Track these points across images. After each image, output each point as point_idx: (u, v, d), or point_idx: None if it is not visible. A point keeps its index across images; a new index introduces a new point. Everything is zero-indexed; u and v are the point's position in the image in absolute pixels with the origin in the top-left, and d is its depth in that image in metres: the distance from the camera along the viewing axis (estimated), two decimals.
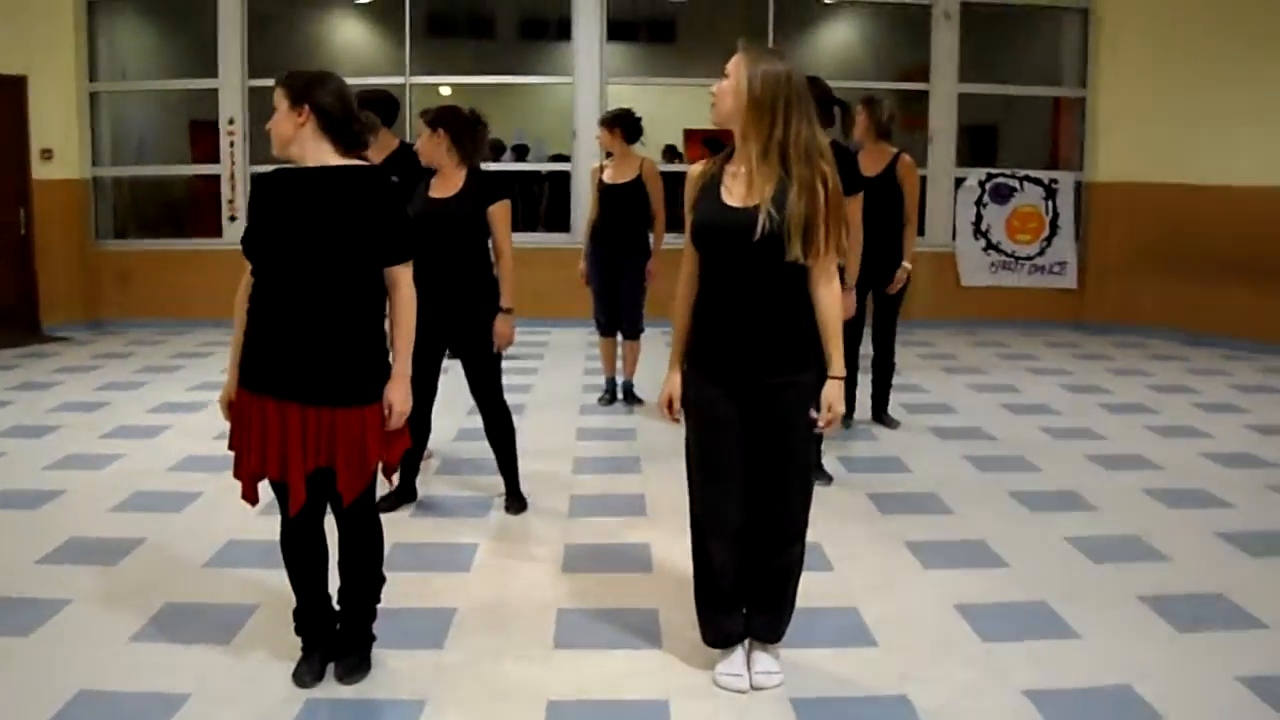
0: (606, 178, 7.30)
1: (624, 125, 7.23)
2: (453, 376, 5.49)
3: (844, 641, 3.91)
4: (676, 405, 3.53)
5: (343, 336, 3.32)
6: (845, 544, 4.86)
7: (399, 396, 3.41)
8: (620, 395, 7.61)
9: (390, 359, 3.47)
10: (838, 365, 3.45)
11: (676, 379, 3.54)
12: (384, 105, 5.90)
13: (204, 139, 11.27)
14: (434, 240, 4.95)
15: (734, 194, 3.35)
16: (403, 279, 3.45)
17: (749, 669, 3.60)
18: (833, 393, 3.43)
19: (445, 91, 12.96)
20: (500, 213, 5.15)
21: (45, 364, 8.96)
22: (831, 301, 3.43)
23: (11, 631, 3.91)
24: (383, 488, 5.09)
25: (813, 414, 3.43)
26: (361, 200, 3.33)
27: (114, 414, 7.21)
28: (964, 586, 4.42)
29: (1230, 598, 4.29)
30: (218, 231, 10.63)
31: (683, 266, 3.52)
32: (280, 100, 3.36)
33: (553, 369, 8.84)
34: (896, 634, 3.97)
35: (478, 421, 5.36)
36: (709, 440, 3.48)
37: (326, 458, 3.34)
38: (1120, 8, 10.69)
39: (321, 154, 3.37)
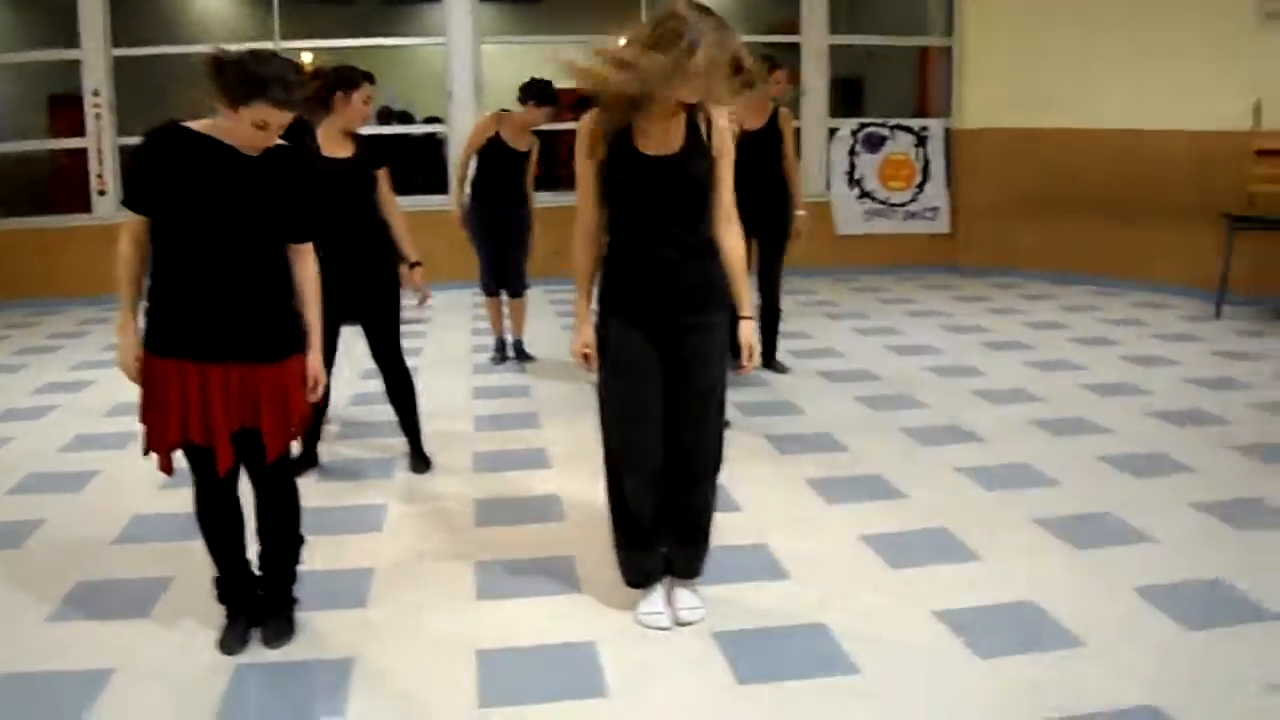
0: (508, 138, 7.16)
1: (549, 99, 7.17)
2: (341, 342, 5.45)
3: (759, 576, 4.03)
4: (593, 355, 3.58)
5: (259, 297, 3.31)
6: (750, 484, 4.98)
7: (316, 364, 3.44)
8: (511, 353, 7.62)
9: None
10: (747, 305, 3.57)
11: (589, 329, 3.58)
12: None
13: (64, 113, 10.92)
14: (331, 202, 4.92)
15: (650, 144, 3.39)
16: (308, 253, 3.46)
17: (671, 606, 3.69)
18: (747, 332, 3.56)
19: (307, 58, 12.74)
20: (386, 174, 5.15)
21: None
22: (736, 244, 3.52)
23: None
24: None
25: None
26: (283, 180, 3.32)
27: None
28: (867, 518, 4.57)
29: (1119, 515, 4.52)
30: (86, 207, 10.25)
31: (580, 220, 3.55)
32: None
33: (441, 331, 8.79)
34: (809, 566, 4.10)
35: (372, 386, 5.37)
36: (630, 383, 3.54)
37: (251, 416, 3.33)
38: None
39: None
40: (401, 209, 5.21)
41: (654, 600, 3.70)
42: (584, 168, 3.49)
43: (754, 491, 4.90)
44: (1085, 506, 4.64)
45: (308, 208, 3.43)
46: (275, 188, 3.31)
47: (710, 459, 3.64)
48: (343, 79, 5.00)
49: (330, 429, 5.95)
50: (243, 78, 3.10)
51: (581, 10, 10.84)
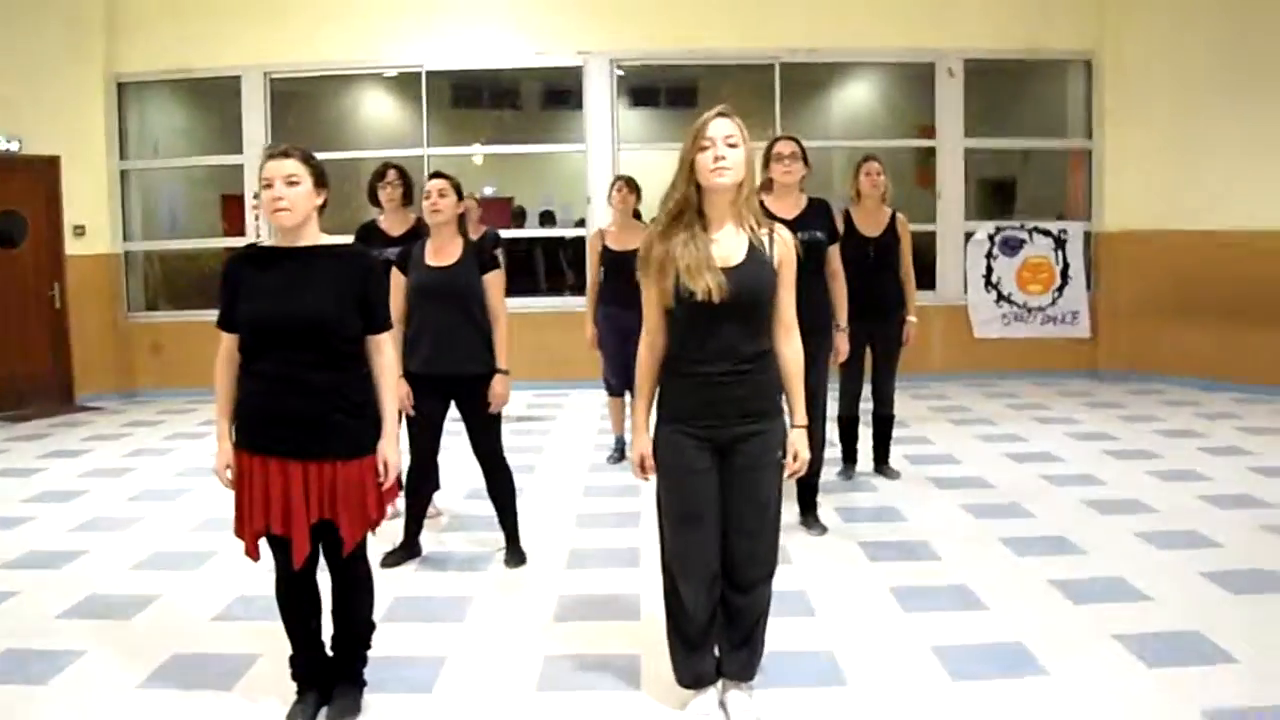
0: (611, 243, 7.48)
1: (636, 189, 7.52)
2: (450, 438, 5.68)
3: (816, 682, 4.05)
4: (650, 464, 3.70)
5: (337, 397, 3.55)
6: (830, 590, 5.00)
7: (391, 452, 3.64)
8: (628, 453, 7.76)
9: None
10: (800, 415, 3.67)
11: (646, 440, 3.70)
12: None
13: (236, 211, 11.66)
14: (434, 305, 5.21)
15: (717, 256, 3.52)
16: (385, 345, 3.68)
17: (725, 710, 3.75)
18: (798, 440, 3.65)
19: (478, 161, 13.31)
20: (495, 280, 5.38)
21: (77, 432, 9.28)
22: (794, 353, 3.63)
23: (30, 680, 4.14)
24: (386, 543, 5.32)
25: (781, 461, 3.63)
26: (351, 277, 3.57)
27: (140, 479, 7.47)
28: (941, 628, 4.54)
29: (1205, 634, 4.39)
30: None
31: (646, 333, 3.67)
32: (304, 177, 3.56)
33: (566, 429, 9.03)
34: (869, 674, 4.10)
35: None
36: (686, 488, 3.64)
37: (329, 509, 3.55)
38: (1123, 57, 10.87)
39: (315, 233, 3.63)
40: (506, 315, 5.42)
41: (704, 701, 3.77)
42: (648, 283, 3.63)
43: (833, 598, 4.92)
44: (1172, 624, 4.53)
45: (379, 300, 3.66)
46: (348, 283, 3.55)
47: (764, 565, 3.71)
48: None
49: (440, 520, 6.19)
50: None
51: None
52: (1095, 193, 11.21)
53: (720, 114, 3.52)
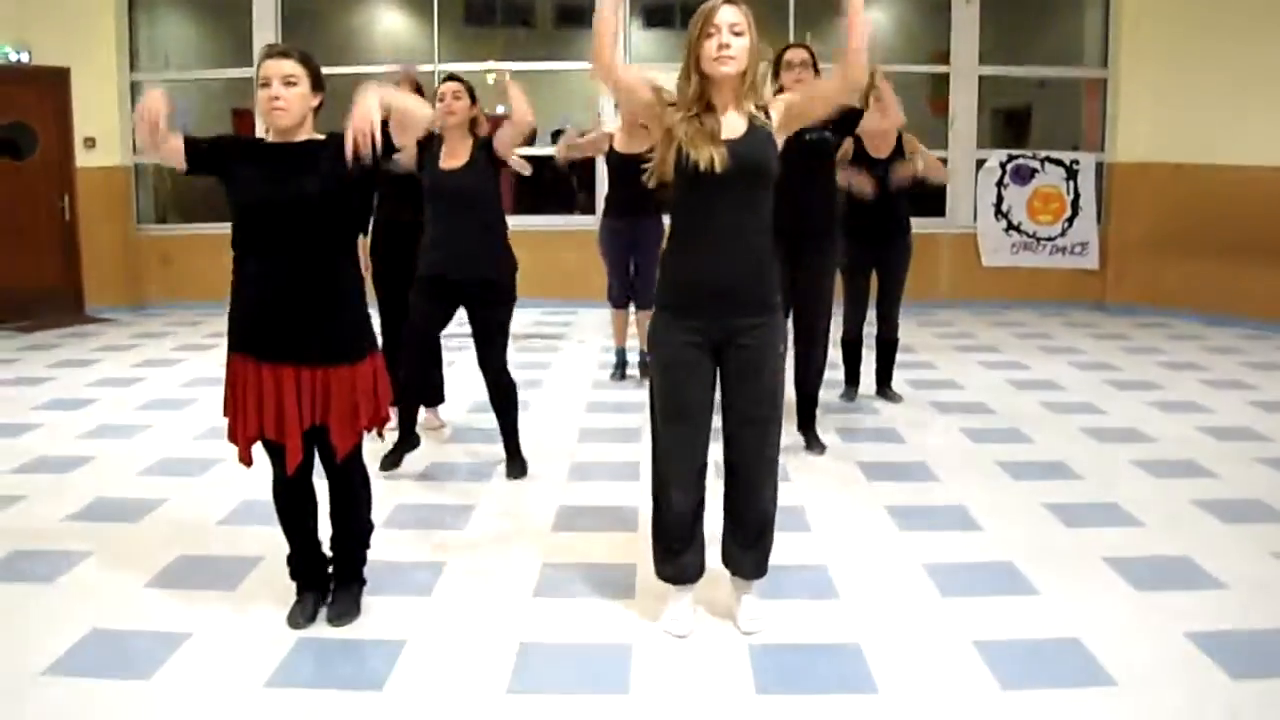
0: (618, 145, 7.39)
1: None
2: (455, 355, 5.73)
3: (809, 594, 4.11)
4: None
5: (330, 300, 3.57)
6: (829, 508, 5.07)
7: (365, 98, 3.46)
8: (634, 370, 7.81)
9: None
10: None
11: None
12: None
13: (246, 126, 11.61)
14: (446, 207, 5.23)
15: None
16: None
17: (737, 614, 3.82)
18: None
19: (490, 80, 13.19)
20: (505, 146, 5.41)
21: (87, 343, 9.35)
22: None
23: (36, 579, 4.23)
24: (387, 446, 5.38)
25: None
26: (338, 152, 3.47)
27: (149, 388, 7.54)
28: (934, 547, 4.60)
29: (1194, 560, 4.44)
30: None
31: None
32: (302, 78, 3.54)
33: (574, 347, 9.08)
34: (861, 589, 4.17)
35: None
36: (674, 380, 3.66)
37: (321, 415, 3.59)
38: None
39: (310, 134, 3.64)
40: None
41: (681, 607, 3.83)
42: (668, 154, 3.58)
43: (830, 515, 4.99)
44: (1162, 549, 4.59)
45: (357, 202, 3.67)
46: (328, 165, 3.52)
47: (770, 458, 3.73)
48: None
49: (443, 432, 6.27)
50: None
51: None
52: (1109, 124, 11.12)
53: (728, 1, 3.48)
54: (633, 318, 7.75)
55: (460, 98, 5.35)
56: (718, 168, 3.45)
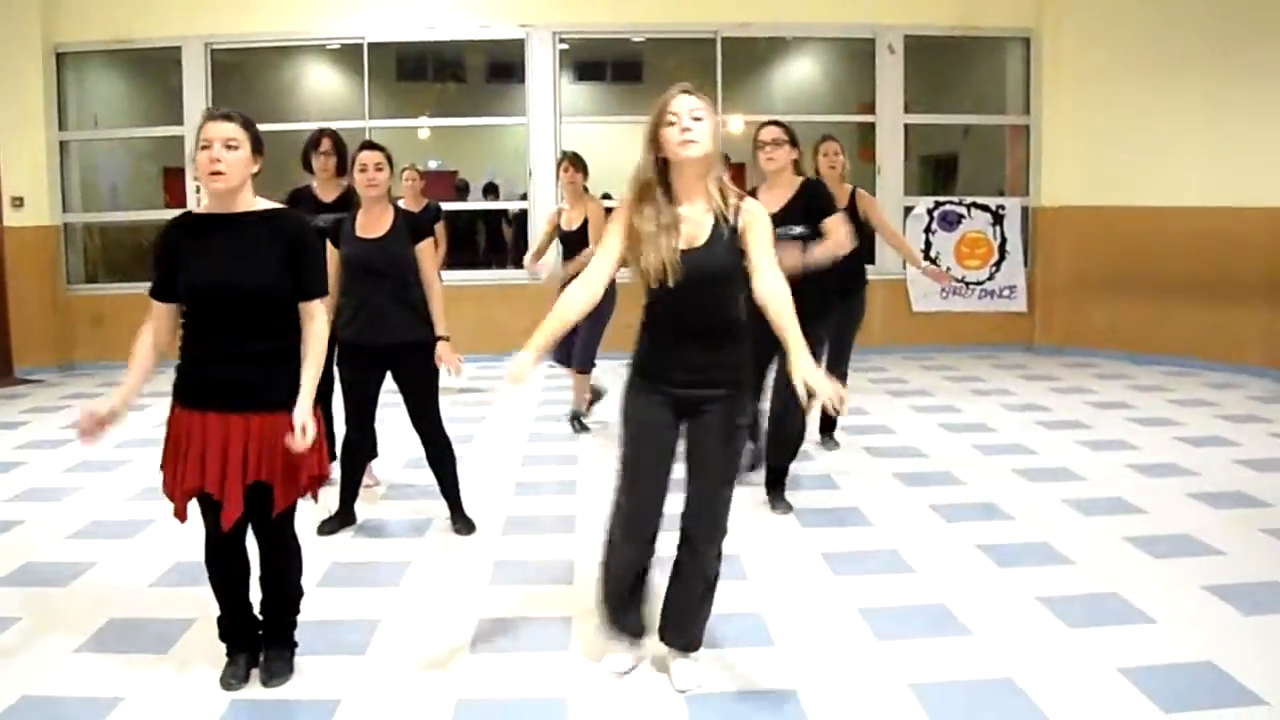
0: (564, 224, 7.71)
1: (583, 165, 7.64)
2: (386, 411, 5.72)
3: (745, 642, 4.13)
4: (516, 380, 3.48)
5: (277, 363, 3.57)
6: (763, 555, 5.10)
7: (303, 413, 3.54)
8: (572, 422, 7.88)
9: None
10: (798, 345, 3.42)
11: (526, 358, 3.45)
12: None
13: (177, 185, 11.57)
14: (365, 277, 5.23)
15: (682, 236, 3.55)
16: (317, 312, 3.66)
17: (671, 677, 3.81)
18: (806, 371, 3.33)
19: (423, 135, 13.26)
20: (427, 249, 5.42)
21: (15, 405, 9.21)
22: (774, 292, 3.52)
23: None
24: (322, 512, 5.35)
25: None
26: (286, 242, 3.56)
27: (79, 450, 7.42)
28: (868, 591, 4.65)
29: (1124, 596, 4.52)
30: None
31: (587, 275, 3.67)
32: (243, 141, 3.54)
33: (507, 400, 9.06)
34: (796, 635, 4.20)
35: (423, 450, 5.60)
36: (638, 443, 3.70)
37: (267, 472, 3.56)
38: (1061, 34, 11.06)
39: (250, 200, 3.63)
40: (440, 283, 5.45)
41: (620, 658, 3.88)
42: (614, 230, 3.65)
43: (764, 562, 5.02)
44: (1092, 586, 4.66)
45: (307, 266, 3.62)
46: (275, 251, 3.54)
47: (718, 525, 3.73)
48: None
49: (376, 490, 6.23)
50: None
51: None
52: (1033, 169, 11.39)
53: (685, 90, 3.55)
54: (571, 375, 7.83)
55: (382, 169, 5.33)
56: (670, 281, 3.51)
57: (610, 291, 7.41)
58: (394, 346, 5.31)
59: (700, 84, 3.65)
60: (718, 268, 3.55)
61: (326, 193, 6.17)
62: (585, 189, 7.73)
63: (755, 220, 3.60)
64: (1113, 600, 4.49)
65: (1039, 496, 6.04)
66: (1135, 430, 7.64)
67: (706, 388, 3.62)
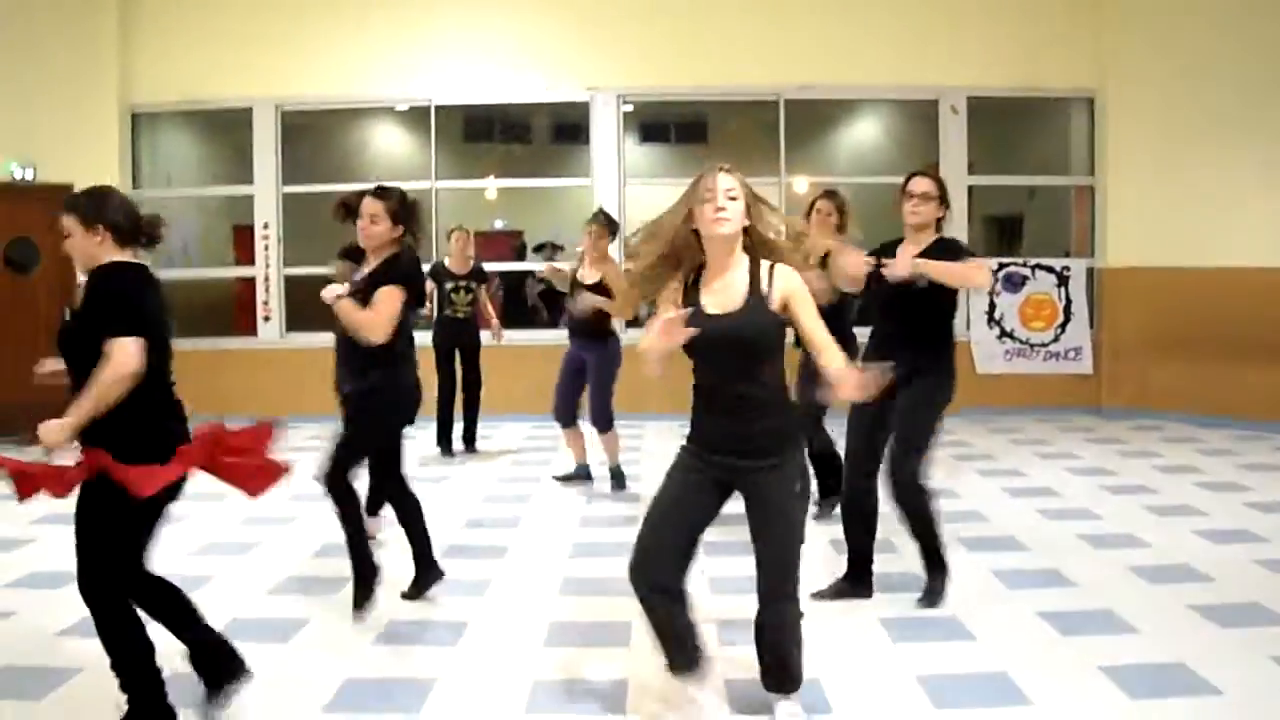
0: (580, 275, 7.80)
1: (614, 230, 7.83)
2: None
3: (803, 710, 4.06)
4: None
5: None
6: (820, 621, 4.99)
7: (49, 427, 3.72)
8: (611, 481, 7.94)
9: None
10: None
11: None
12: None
13: (246, 242, 11.80)
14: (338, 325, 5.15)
15: (715, 303, 3.68)
16: (103, 358, 3.69)
17: (775, 715, 3.89)
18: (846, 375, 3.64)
19: (490, 195, 13.43)
20: (380, 296, 4.96)
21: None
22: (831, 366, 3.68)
23: None
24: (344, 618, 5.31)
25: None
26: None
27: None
28: (928, 659, 4.59)
29: (1191, 666, 4.42)
30: (253, 330, 11.12)
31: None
32: (74, 225, 3.69)
33: (563, 459, 9.06)
34: (854, 702, 4.15)
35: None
36: (662, 489, 3.83)
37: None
38: (1124, 94, 10.99)
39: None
40: (379, 326, 4.94)
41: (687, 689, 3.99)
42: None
43: (823, 628, 4.94)
44: (1157, 656, 4.56)
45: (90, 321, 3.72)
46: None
47: (784, 578, 3.77)
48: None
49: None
50: None
51: (736, 151, 11.26)
52: (1098, 230, 11.30)
53: (723, 169, 3.68)
54: (597, 437, 7.88)
55: (377, 222, 5.07)
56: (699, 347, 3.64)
57: (614, 349, 7.61)
58: (345, 394, 5.27)
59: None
60: (751, 333, 3.65)
61: (459, 265, 6.11)
62: (607, 252, 7.86)
63: (794, 290, 3.71)
64: (1178, 670, 4.39)
65: (1103, 563, 5.94)
66: (1203, 495, 7.50)
67: (751, 458, 3.69)
